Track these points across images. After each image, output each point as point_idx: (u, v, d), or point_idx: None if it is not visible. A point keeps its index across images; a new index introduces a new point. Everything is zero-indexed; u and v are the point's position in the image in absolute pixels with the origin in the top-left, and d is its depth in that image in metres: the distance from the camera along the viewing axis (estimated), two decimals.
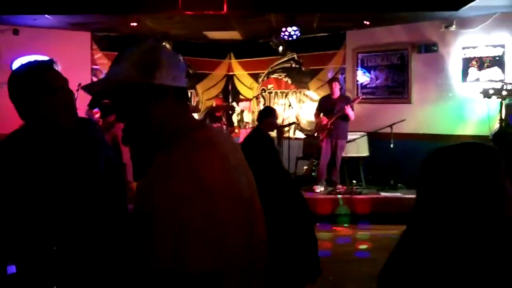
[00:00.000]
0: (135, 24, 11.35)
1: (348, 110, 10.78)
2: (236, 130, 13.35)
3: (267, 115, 6.71)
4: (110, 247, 2.88)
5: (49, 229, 2.82)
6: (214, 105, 13.60)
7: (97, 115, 10.65)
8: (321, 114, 11.14)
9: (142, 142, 2.09)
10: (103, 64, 13.25)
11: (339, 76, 13.05)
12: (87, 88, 2.10)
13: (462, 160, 1.77)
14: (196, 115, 13.86)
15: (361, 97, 11.85)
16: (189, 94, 2.16)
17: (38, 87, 2.82)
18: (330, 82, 11.28)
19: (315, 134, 11.56)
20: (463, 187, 1.70)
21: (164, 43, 2.30)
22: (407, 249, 1.83)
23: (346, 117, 10.88)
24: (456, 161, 1.77)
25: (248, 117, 14.92)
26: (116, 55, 2.16)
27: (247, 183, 2.11)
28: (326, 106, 11.05)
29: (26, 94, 2.81)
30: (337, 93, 11.06)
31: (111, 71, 2.11)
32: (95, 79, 13.03)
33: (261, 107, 14.79)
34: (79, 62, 12.32)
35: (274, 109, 7.24)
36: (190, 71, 14.46)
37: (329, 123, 10.79)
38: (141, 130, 2.05)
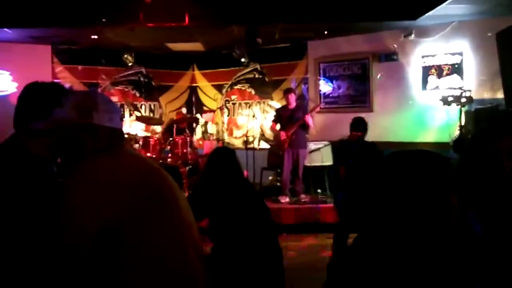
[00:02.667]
0: (96, 36, 11.31)
1: (308, 118, 10.86)
2: (201, 142, 13.35)
3: None
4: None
5: None
6: (175, 118, 13.56)
7: None
8: (278, 125, 11.22)
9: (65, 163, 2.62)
10: (65, 77, 13.15)
11: (302, 85, 13.14)
12: (34, 126, 2.51)
13: (416, 167, 1.81)
14: (159, 128, 13.80)
15: (320, 106, 11.95)
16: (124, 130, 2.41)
17: None
18: (286, 93, 11.29)
19: (275, 146, 11.58)
20: (414, 193, 1.74)
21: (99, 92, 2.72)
22: (356, 244, 1.87)
23: (305, 126, 10.96)
24: (411, 167, 1.82)
25: (212, 129, 14.93)
26: (61, 100, 2.54)
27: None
28: (283, 116, 11.09)
29: None
30: (293, 104, 11.13)
31: (55, 113, 2.47)
32: None
33: (225, 118, 14.82)
34: (40, 75, 12.01)
35: None
36: (153, 83, 14.45)
37: (289, 134, 10.84)
38: (74, 160, 2.46)
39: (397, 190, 1.78)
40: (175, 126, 12.22)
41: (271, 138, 12.92)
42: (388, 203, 1.79)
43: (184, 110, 14.30)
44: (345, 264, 1.88)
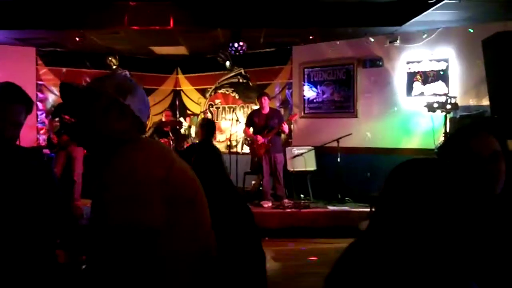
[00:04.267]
0: (80, 39, 11.24)
1: (285, 127, 10.93)
2: (185, 145, 13.30)
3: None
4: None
5: None
6: (163, 119, 13.52)
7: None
8: (251, 129, 11.22)
9: (92, 144, 2.49)
10: (49, 79, 13.09)
11: (286, 90, 13.14)
12: (69, 86, 2.46)
13: (429, 179, 1.77)
14: None
15: (297, 115, 11.97)
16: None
17: None
18: (259, 97, 11.36)
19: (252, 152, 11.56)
20: (425, 204, 1.71)
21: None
22: (358, 255, 1.84)
23: (279, 132, 11.04)
24: (423, 179, 1.77)
25: (195, 132, 14.89)
26: (104, 75, 2.54)
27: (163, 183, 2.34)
28: (258, 121, 11.11)
29: None
30: (267, 108, 11.15)
31: (93, 83, 2.47)
32: (40, 94, 12.87)
33: None
34: (24, 77, 12.06)
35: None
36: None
37: (266, 140, 10.85)
38: (94, 135, 2.41)
39: (412, 202, 1.73)
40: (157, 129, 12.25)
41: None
42: (400, 213, 1.75)
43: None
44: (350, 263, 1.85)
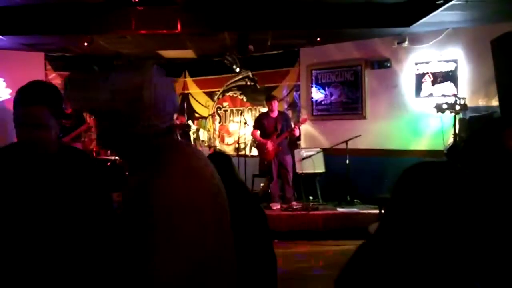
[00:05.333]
0: (88, 44, 11.27)
1: (297, 131, 10.99)
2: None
3: None
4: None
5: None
6: (178, 122, 13.54)
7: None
8: (258, 132, 11.20)
9: (114, 148, 2.23)
10: (57, 84, 13.07)
11: (294, 93, 13.14)
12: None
13: (439, 182, 1.75)
14: None
15: (308, 118, 11.94)
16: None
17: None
18: (268, 100, 11.28)
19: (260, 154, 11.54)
20: (434, 208, 1.69)
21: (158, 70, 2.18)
22: (369, 257, 1.83)
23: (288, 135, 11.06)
24: (433, 182, 1.76)
25: (203, 136, 14.90)
26: (125, 67, 2.22)
27: (214, 204, 2.10)
28: (267, 124, 11.08)
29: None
30: (276, 111, 11.14)
31: (115, 77, 2.10)
32: None
33: (217, 125, 14.79)
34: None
35: None
36: None
37: (276, 145, 10.84)
38: (119, 138, 2.10)
39: (423, 205, 1.72)
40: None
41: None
42: (412, 216, 1.73)
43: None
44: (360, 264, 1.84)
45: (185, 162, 2.06)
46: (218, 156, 5.13)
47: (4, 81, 11.99)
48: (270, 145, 10.86)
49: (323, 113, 12.52)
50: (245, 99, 14.43)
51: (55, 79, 13.17)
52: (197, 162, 2.14)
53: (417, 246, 1.69)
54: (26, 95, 2.90)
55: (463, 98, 9.39)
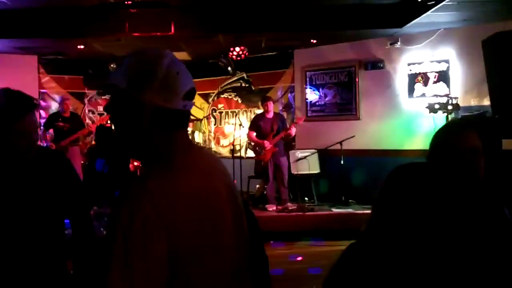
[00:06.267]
0: (82, 47, 11.28)
1: (293, 130, 10.97)
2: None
3: None
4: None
5: None
6: None
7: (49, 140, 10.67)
8: (255, 134, 11.23)
9: (129, 150, 2.06)
10: (51, 87, 13.17)
11: (288, 94, 13.18)
12: (87, 82, 2.07)
13: (422, 182, 1.78)
14: None
15: (304, 118, 11.97)
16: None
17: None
18: (264, 101, 11.30)
19: (256, 155, 11.55)
20: (418, 207, 1.72)
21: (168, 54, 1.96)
22: (356, 258, 1.86)
23: (284, 136, 11.07)
24: (417, 182, 1.79)
25: (199, 137, 14.92)
26: (122, 59, 2.06)
27: (222, 210, 2.04)
28: (263, 125, 11.13)
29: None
30: (271, 113, 11.18)
31: (111, 74, 2.11)
32: (43, 103, 12.93)
33: (212, 127, 14.81)
34: (26, 86, 12.06)
35: None
36: None
37: (272, 145, 10.88)
38: (128, 139, 1.98)
39: (410, 205, 1.75)
40: None
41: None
42: (399, 217, 1.77)
43: None
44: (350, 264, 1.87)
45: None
46: None
47: None
48: (267, 143, 10.89)
49: (317, 114, 12.56)
50: (240, 101, 14.45)
51: (49, 82, 13.19)
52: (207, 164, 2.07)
53: (403, 247, 1.72)
54: (20, 104, 2.90)
55: (455, 98, 9.45)
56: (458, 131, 2.65)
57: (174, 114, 1.99)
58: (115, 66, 12.80)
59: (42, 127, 11.11)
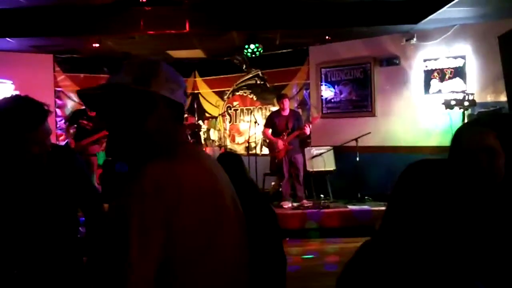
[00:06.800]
0: (97, 45, 11.31)
1: (307, 129, 10.93)
2: (203, 148, 13.34)
3: None
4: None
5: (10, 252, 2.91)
6: (185, 123, 13.62)
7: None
8: (270, 131, 11.24)
9: (127, 154, 2.06)
10: (67, 86, 13.19)
11: (304, 91, 13.17)
12: (84, 92, 2.06)
13: (435, 179, 1.78)
14: None
15: (319, 117, 11.94)
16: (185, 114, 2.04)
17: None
18: (279, 99, 11.28)
19: (271, 152, 11.56)
20: (431, 204, 1.72)
21: (164, 61, 2.05)
22: (369, 255, 1.85)
23: (298, 134, 11.03)
24: (430, 179, 1.78)
25: (214, 135, 14.93)
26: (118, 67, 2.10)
27: (232, 197, 2.10)
28: (278, 123, 11.11)
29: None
30: (287, 110, 11.15)
31: (110, 79, 2.06)
32: (59, 101, 12.96)
33: (227, 124, 14.82)
34: (42, 84, 12.22)
35: None
36: None
37: (287, 143, 10.86)
38: (130, 141, 2.01)
39: (423, 202, 1.74)
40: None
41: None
42: (412, 214, 1.76)
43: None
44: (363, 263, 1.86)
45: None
46: (228, 156, 5.17)
47: (12, 83, 12.01)
48: (280, 143, 10.88)
49: (333, 111, 12.53)
50: (255, 98, 14.45)
51: (64, 80, 13.23)
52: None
53: (417, 243, 1.72)
54: (33, 115, 2.91)
55: (472, 94, 9.38)
56: (473, 131, 2.62)
57: (178, 106, 2.06)
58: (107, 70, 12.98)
59: (66, 122, 11.18)
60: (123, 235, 1.69)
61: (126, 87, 1.96)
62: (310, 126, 11.21)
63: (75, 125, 10.54)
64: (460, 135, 2.66)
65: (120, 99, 1.97)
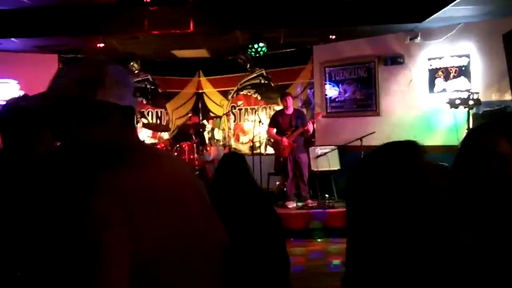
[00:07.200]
0: (101, 45, 11.31)
1: (310, 126, 10.90)
2: (208, 148, 13.35)
3: None
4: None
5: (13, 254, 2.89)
6: (189, 122, 13.64)
7: None
8: (274, 130, 11.21)
9: (74, 163, 1.94)
10: None
11: (308, 90, 13.15)
12: (23, 101, 1.95)
13: (379, 163, 1.76)
14: (166, 134, 13.87)
15: (322, 114, 11.92)
16: (136, 115, 1.92)
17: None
18: (283, 97, 11.27)
19: (275, 151, 11.56)
20: (386, 188, 1.69)
21: (110, 60, 1.91)
22: (356, 256, 1.85)
23: (303, 132, 11.01)
24: (374, 166, 1.77)
25: (218, 135, 14.93)
26: (58, 69, 2.03)
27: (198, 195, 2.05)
28: (282, 121, 11.09)
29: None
30: (291, 108, 11.13)
31: (51, 85, 1.94)
32: None
33: (232, 124, 14.82)
34: (47, 84, 12.19)
35: None
36: (159, 90, 14.50)
37: (291, 141, 10.84)
38: (77, 151, 1.90)
39: (373, 192, 1.73)
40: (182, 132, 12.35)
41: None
42: (368, 208, 1.75)
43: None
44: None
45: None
46: (232, 157, 5.16)
47: (18, 83, 12.03)
48: (285, 140, 10.86)
49: (337, 110, 12.51)
50: (259, 98, 14.46)
51: None
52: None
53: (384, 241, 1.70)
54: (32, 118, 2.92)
55: (476, 93, 9.35)
56: (484, 137, 2.61)
57: (127, 110, 1.95)
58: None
59: None
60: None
61: (69, 97, 1.85)
62: (314, 123, 11.19)
63: None
64: (470, 140, 2.65)
65: (65, 110, 1.86)
